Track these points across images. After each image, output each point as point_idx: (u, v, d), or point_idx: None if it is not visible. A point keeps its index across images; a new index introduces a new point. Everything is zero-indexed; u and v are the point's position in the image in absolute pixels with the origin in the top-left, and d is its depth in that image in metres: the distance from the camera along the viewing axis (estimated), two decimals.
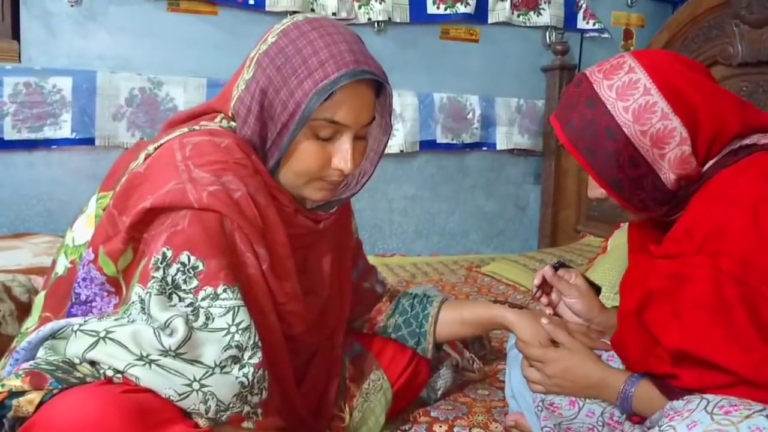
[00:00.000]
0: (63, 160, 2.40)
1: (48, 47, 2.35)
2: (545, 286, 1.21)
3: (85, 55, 2.39)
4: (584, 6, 2.96)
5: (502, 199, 3.08)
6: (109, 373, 0.78)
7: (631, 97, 0.90)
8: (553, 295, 1.21)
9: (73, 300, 0.92)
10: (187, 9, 2.48)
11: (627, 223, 2.22)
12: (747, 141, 0.91)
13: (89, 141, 2.38)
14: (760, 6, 1.91)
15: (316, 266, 1.09)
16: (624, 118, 0.90)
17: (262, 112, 0.92)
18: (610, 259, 2.05)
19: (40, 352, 0.83)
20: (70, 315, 0.92)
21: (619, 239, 2.19)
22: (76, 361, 0.80)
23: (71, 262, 0.95)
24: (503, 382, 1.38)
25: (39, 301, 0.99)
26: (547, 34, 2.97)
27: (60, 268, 0.97)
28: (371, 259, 1.35)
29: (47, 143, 2.36)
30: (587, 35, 3.03)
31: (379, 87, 0.98)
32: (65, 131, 2.35)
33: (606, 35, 3.01)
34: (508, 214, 3.10)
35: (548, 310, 1.21)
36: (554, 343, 1.11)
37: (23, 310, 1.37)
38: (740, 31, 1.99)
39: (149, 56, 2.46)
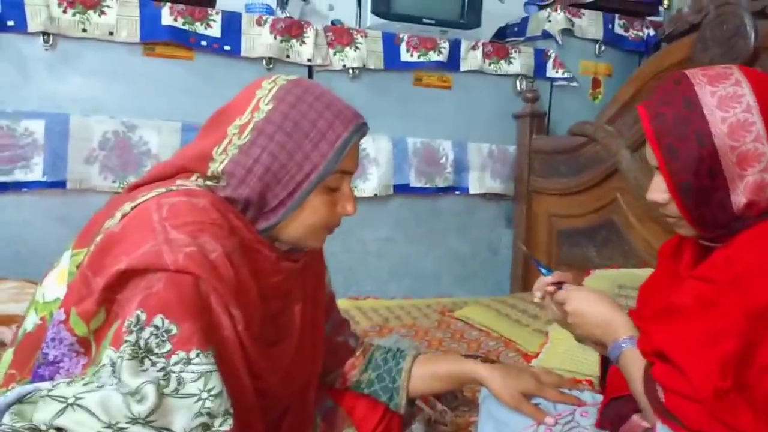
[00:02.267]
0: (34, 203, 2.37)
1: (20, 90, 2.33)
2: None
3: (58, 98, 2.37)
4: (553, 55, 3.04)
5: (475, 243, 3.10)
6: None
7: (731, 109, 0.89)
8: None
9: (41, 360, 0.90)
10: (163, 54, 2.49)
11: (597, 271, 2.27)
12: None
13: (61, 184, 2.35)
14: (721, 62, 1.98)
15: (289, 315, 1.09)
16: (718, 129, 0.89)
17: (267, 174, 0.95)
18: None
19: (6, 418, 0.81)
20: (36, 375, 0.90)
21: (590, 286, 2.22)
22: (43, 427, 0.78)
23: (41, 319, 0.94)
24: None
25: (6, 357, 0.97)
26: (518, 82, 3.04)
27: (29, 325, 0.95)
28: (345, 303, 1.35)
29: (18, 186, 2.32)
30: (556, 83, 3.10)
31: None
32: (36, 174, 2.32)
33: (575, 84, 3.09)
34: (480, 257, 3.13)
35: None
36: (526, 396, 1.13)
37: None
38: None
39: (123, 100, 2.46)
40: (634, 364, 0.98)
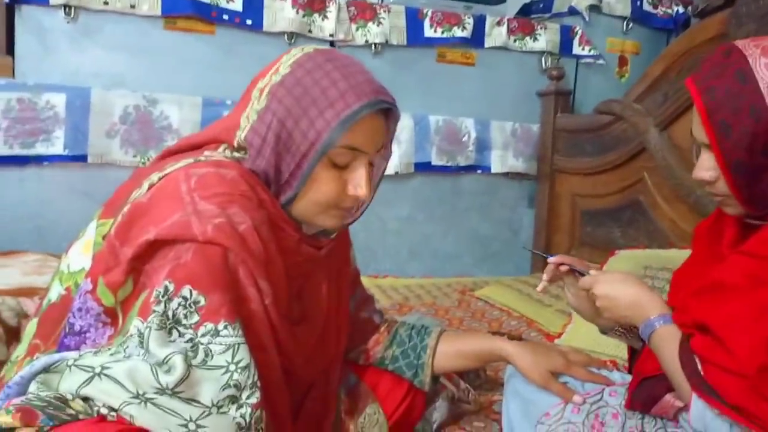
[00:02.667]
0: (55, 177, 2.38)
1: (42, 63, 2.33)
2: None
3: (79, 72, 2.37)
4: (580, 32, 2.98)
5: (496, 223, 3.08)
6: (104, 410, 0.75)
7: None
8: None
9: (67, 330, 0.90)
10: (184, 27, 2.47)
11: (622, 252, 2.23)
12: None
13: (82, 158, 2.36)
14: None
15: (314, 295, 1.07)
16: None
17: (279, 143, 0.92)
18: None
19: (32, 387, 0.80)
20: (62, 346, 0.90)
21: (614, 266, 2.19)
22: (69, 397, 0.77)
23: (66, 289, 0.93)
24: (498, 413, 1.37)
25: (30, 328, 0.96)
26: (543, 59, 2.99)
27: (53, 295, 0.95)
28: (364, 281, 1.34)
29: (39, 160, 2.33)
30: (582, 61, 3.05)
31: (386, 113, 0.98)
32: (57, 148, 2.33)
33: (601, 61, 3.04)
34: (501, 237, 3.10)
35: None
36: (554, 374, 1.11)
37: (12, 334, 1.34)
38: None
39: (144, 74, 2.45)
40: (668, 342, 0.94)
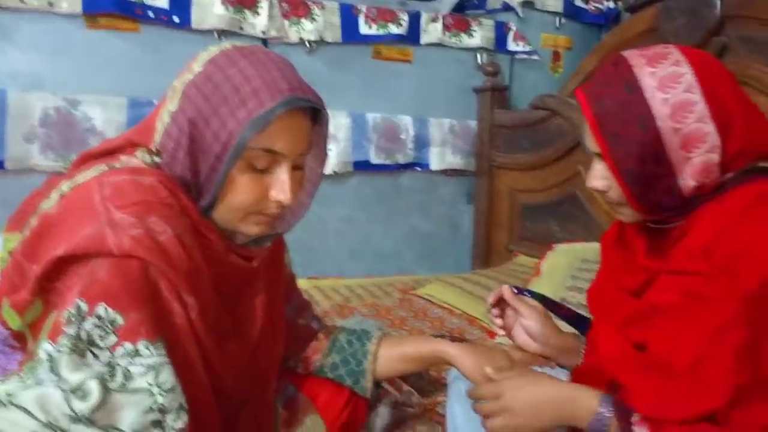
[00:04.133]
0: None
1: None
2: (501, 305, 1.18)
3: None
4: (514, 28, 3.00)
5: (436, 220, 3.07)
6: None
7: (672, 90, 0.84)
8: (509, 315, 1.18)
9: None
10: (107, 25, 2.36)
11: (560, 246, 2.26)
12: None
13: None
14: (686, 32, 1.97)
15: (246, 306, 1.02)
16: (660, 111, 0.84)
17: (193, 144, 0.85)
18: (545, 282, 2.06)
19: None
20: None
21: (553, 261, 2.21)
22: None
23: None
24: (442, 415, 1.34)
25: None
26: (479, 55, 3.00)
27: None
28: (304, 283, 1.29)
29: None
30: (517, 57, 3.07)
31: (314, 114, 0.93)
32: None
33: (536, 57, 3.06)
34: (441, 235, 3.10)
35: (501, 332, 1.18)
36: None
37: None
38: None
39: (66, 75, 2.33)
40: None
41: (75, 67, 2.34)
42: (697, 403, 0.80)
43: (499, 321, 1.18)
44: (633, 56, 0.90)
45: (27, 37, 2.27)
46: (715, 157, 0.86)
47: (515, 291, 1.17)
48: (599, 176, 0.94)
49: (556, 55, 3.16)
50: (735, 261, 0.80)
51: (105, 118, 2.35)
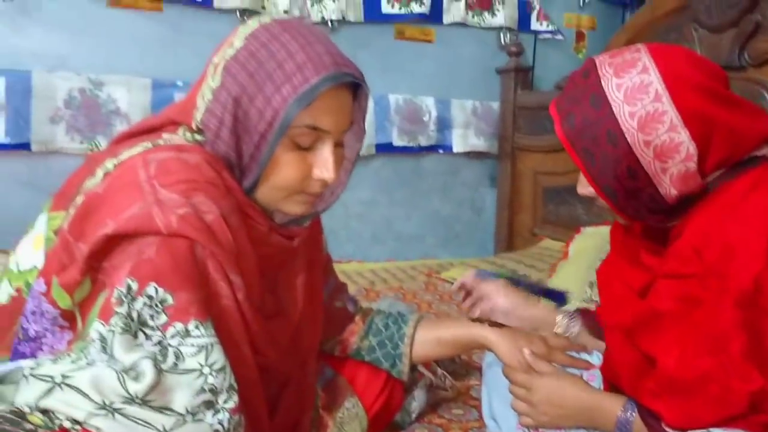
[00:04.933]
0: None
1: None
2: (464, 289, 1.25)
3: (18, 54, 2.22)
4: (537, 7, 2.96)
5: (459, 203, 3.05)
6: (67, 423, 0.70)
7: (639, 101, 0.82)
8: (474, 294, 1.24)
9: (21, 336, 0.82)
10: (129, 4, 2.35)
11: (587, 228, 2.23)
12: (757, 152, 0.86)
13: (25, 146, 2.23)
14: (719, 10, 1.92)
15: (288, 287, 1.01)
16: (628, 125, 0.82)
17: (236, 123, 0.84)
18: (573, 266, 2.04)
19: None
20: (16, 353, 0.82)
21: (581, 244, 2.18)
22: (27, 410, 0.71)
23: (16, 290, 0.85)
24: (477, 399, 1.34)
25: None
26: (502, 35, 2.96)
27: (2, 296, 0.87)
28: None
29: None
30: (541, 37, 3.03)
31: (354, 90, 0.92)
32: None
33: (559, 37, 3.03)
34: (464, 218, 3.08)
35: (475, 311, 1.23)
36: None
37: None
38: (699, 35, 2.01)
39: (89, 55, 2.32)
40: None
41: (98, 46, 2.33)
42: (718, 413, 0.79)
43: (466, 303, 1.24)
44: (603, 64, 0.87)
45: (49, 16, 2.26)
46: (692, 165, 0.83)
47: (478, 276, 1.23)
48: (585, 184, 0.92)
49: (579, 35, 3.12)
50: (725, 260, 0.79)
51: (129, 100, 2.34)
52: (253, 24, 0.88)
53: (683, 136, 0.82)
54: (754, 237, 0.78)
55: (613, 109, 0.83)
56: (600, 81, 0.85)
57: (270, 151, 0.84)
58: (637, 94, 0.82)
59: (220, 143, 0.86)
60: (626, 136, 0.82)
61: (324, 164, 0.87)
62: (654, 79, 0.82)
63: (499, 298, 1.18)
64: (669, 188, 0.85)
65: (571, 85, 0.90)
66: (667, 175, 0.84)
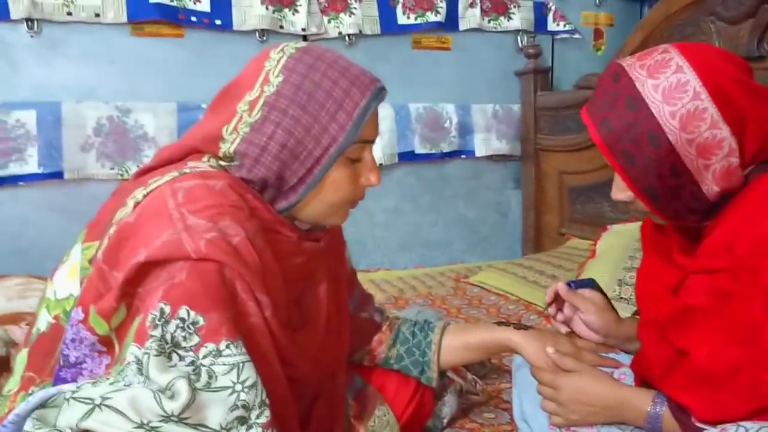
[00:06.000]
0: (31, 196, 2.31)
1: (8, 80, 2.26)
2: (558, 302, 1.18)
3: (48, 86, 2.30)
4: (553, 8, 2.95)
5: (484, 206, 3.05)
6: None
7: (679, 101, 0.82)
8: (566, 311, 1.17)
9: (62, 363, 0.86)
10: (152, 32, 2.41)
11: (615, 226, 2.22)
12: None
13: (58, 175, 2.30)
14: (735, 1, 1.91)
15: (313, 298, 1.05)
16: (670, 125, 0.83)
17: (283, 151, 0.89)
18: (601, 264, 2.03)
19: (28, 425, 0.77)
20: (58, 379, 0.86)
21: (608, 242, 2.18)
22: (68, 431, 0.74)
23: (54, 318, 0.89)
24: (508, 402, 1.35)
25: (21, 359, 0.92)
26: (519, 37, 2.96)
27: (42, 324, 0.91)
28: None
29: (13, 180, 2.26)
30: (558, 37, 3.02)
31: None
32: (32, 166, 2.26)
33: (577, 36, 3.01)
34: (490, 221, 3.08)
35: (563, 328, 1.18)
36: None
37: (2, 364, 1.29)
38: (717, 27, 1.99)
39: (115, 83, 2.39)
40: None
41: (124, 75, 2.40)
42: (748, 405, 0.80)
43: (560, 317, 1.18)
44: (633, 68, 0.87)
45: (76, 49, 2.33)
46: (735, 160, 0.84)
47: (570, 286, 1.16)
48: (622, 188, 0.92)
49: (597, 33, 3.10)
50: (756, 254, 0.79)
51: (156, 124, 2.40)
52: (277, 56, 0.92)
53: (725, 132, 0.82)
54: None
55: (652, 110, 0.84)
56: (633, 83, 0.86)
57: (322, 173, 0.91)
58: (676, 93, 0.83)
59: (259, 168, 0.90)
60: (668, 136, 0.83)
61: (371, 171, 0.97)
62: (690, 78, 0.83)
63: (592, 315, 1.13)
64: (711, 185, 0.85)
65: (600, 91, 0.90)
66: (710, 172, 0.84)
